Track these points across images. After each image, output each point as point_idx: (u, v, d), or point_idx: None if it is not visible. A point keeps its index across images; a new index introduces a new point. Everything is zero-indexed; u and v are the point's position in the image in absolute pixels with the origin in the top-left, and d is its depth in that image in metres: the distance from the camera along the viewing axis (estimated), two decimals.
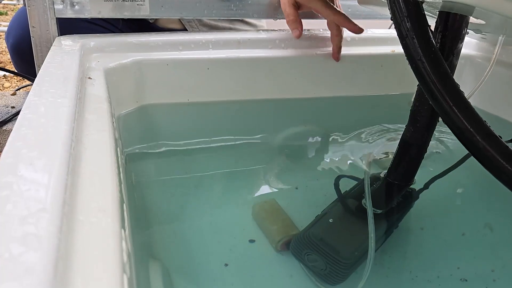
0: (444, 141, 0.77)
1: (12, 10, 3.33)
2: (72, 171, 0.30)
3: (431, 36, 0.38)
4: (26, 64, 0.82)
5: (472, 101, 0.42)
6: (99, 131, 0.41)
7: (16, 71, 0.78)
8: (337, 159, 0.75)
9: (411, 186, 0.57)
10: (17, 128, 0.33)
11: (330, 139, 0.80)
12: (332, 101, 0.83)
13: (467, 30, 0.46)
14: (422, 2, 0.39)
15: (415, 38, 0.37)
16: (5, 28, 2.58)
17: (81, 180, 0.30)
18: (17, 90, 1.02)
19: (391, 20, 0.39)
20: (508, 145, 0.38)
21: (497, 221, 0.62)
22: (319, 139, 0.80)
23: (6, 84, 1.55)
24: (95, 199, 0.29)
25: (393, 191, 0.51)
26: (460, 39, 0.45)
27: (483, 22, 0.54)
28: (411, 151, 0.49)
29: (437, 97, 0.38)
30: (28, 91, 0.80)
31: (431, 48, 0.38)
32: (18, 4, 3.45)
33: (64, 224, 0.24)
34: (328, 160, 0.76)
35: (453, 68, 0.46)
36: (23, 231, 0.22)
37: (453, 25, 0.44)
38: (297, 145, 0.78)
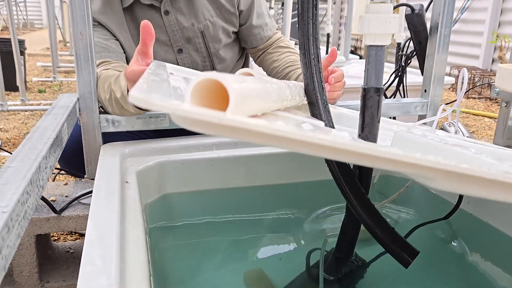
0: (391, 216, 0.97)
1: (49, 87, 3.73)
2: (122, 262, 0.52)
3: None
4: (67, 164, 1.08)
5: None
6: (134, 223, 0.64)
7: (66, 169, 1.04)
8: (315, 234, 0.96)
9: (363, 258, 0.78)
10: (89, 234, 0.56)
11: (312, 217, 1.01)
12: (315, 184, 1.04)
13: None
14: None
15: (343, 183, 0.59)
16: (45, 107, 2.93)
17: (127, 266, 0.52)
18: (56, 176, 1.31)
19: None
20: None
21: None
22: (303, 217, 1.01)
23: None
24: (134, 278, 0.50)
25: (340, 262, 0.72)
26: None
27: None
28: (349, 232, 0.70)
29: (354, 208, 0.60)
30: (73, 178, 1.05)
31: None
32: (55, 81, 3.86)
33: None
34: (308, 236, 0.96)
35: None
36: None
37: None
38: (284, 223, 0.99)
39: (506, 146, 1.27)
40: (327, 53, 3.59)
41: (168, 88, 0.35)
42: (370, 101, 0.63)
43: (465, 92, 3.93)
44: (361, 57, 5.51)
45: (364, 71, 0.63)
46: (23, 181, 0.44)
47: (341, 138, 0.26)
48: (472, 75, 4.14)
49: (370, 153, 0.26)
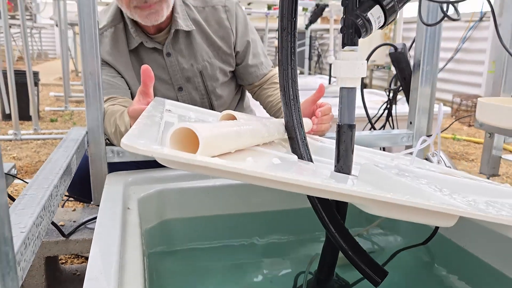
0: (377, 240, 1.03)
1: (61, 116, 3.87)
2: (120, 280, 0.59)
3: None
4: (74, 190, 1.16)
5: None
6: (133, 247, 0.71)
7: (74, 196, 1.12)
8: (303, 258, 1.02)
9: (346, 280, 0.84)
10: (93, 254, 0.63)
11: (301, 241, 1.08)
12: (305, 211, 1.11)
13: None
14: None
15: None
16: (57, 136, 3.05)
17: (125, 284, 0.59)
18: (65, 202, 1.40)
19: None
20: None
21: None
22: (293, 242, 1.07)
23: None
24: None
25: (322, 283, 0.78)
26: None
27: None
28: (328, 257, 0.76)
29: (333, 236, 0.67)
30: (81, 206, 1.13)
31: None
32: (66, 110, 4.01)
33: None
34: (297, 259, 1.02)
35: None
36: None
37: None
38: (275, 247, 1.06)
39: (490, 175, 1.33)
40: (329, 83, 3.70)
41: (156, 132, 0.44)
42: (344, 136, 0.70)
43: (466, 120, 3.99)
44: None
45: (338, 110, 0.71)
46: (37, 207, 0.52)
47: (285, 172, 0.34)
48: (474, 103, 4.21)
49: (307, 185, 0.34)
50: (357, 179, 0.60)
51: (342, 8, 0.69)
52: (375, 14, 0.67)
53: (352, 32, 0.67)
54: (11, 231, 0.26)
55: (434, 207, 0.34)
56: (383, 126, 1.43)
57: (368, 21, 0.66)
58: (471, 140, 3.44)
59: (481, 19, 4.85)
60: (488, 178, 1.33)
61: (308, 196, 0.69)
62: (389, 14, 0.68)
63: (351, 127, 0.71)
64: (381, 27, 0.70)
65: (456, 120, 2.26)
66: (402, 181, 0.49)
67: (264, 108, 1.33)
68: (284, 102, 0.71)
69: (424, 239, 0.95)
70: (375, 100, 2.87)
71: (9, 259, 0.26)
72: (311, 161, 0.71)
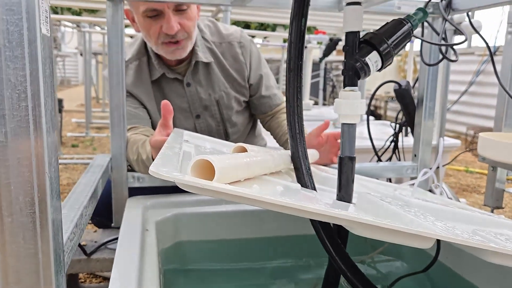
0: (380, 267, 1.08)
1: (82, 142, 4.01)
2: None
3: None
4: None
5: None
6: (151, 266, 0.78)
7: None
8: (309, 281, 1.07)
9: None
10: (114, 270, 0.70)
11: (307, 267, 1.13)
12: (311, 237, 1.17)
13: None
14: None
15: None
16: (78, 161, 3.17)
17: None
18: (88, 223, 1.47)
19: None
20: None
21: None
22: (299, 266, 1.12)
23: None
24: None
25: None
26: None
27: None
28: (330, 278, 0.81)
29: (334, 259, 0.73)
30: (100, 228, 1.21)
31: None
32: (87, 136, 4.15)
33: None
34: (303, 282, 1.07)
35: None
36: None
37: None
38: (283, 271, 1.11)
39: (494, 207, 1.37)
40: None
41: (176, 161, 0.51)
42: (345, 167, 0.77)
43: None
44: (376, 117, 5.67)
45: (340, 143, 0.78)
46: (71, 224, 0.60)
47: (278, 196, 0.41)
48: None
49: (295, 207, 0.41)
50: (355, 206, 0.67)
51: None
52: (373, 58, 0.74)
53: (352, 74, 0.75)
54: (63, 239, 0.34)
55: (407, 230, 0.40)
56: (390, 158, 1.49)
57: (366, 65, 0.74)
58: (484, 173, 3.44)
59: (494, 53, 4.91)
60: (492, 211, 1.37)
61: (311, 222, 0.76)
62: (386, 58, 0.76)
63: (352, 159, 0.78)
64: (379, 70, 0.78)
65: (462, 153, 2.30)
66: (392, 208, 0.55)
67: (274, 138, 1.41)
68: (290, 136, 0.79)
69: (424, 266, 0.99)
70: (387, 131, 2.93)
71: (60, 260, 0.33)
72: (315, 189, 0.78)
